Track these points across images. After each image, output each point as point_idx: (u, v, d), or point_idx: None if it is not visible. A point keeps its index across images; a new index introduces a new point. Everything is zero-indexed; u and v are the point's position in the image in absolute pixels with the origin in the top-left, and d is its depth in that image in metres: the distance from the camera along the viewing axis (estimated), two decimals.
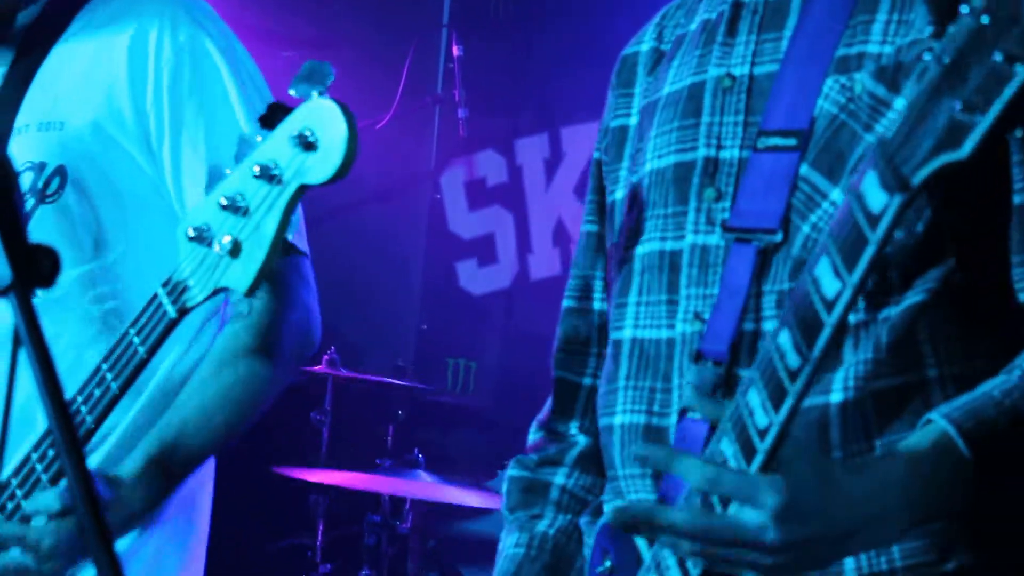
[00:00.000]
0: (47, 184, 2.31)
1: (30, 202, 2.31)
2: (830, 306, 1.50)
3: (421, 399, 6.60)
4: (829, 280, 1.50)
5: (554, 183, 6.98)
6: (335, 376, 5.73)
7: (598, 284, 2.14)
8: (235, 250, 1.90)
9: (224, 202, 1.87)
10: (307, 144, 1.77)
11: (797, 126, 1.81)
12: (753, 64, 1.89)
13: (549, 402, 2.17)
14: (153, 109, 2.35)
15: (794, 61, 1.85)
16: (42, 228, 2.31)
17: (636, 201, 2.00)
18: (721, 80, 1.91)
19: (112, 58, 2.35)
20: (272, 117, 1.81)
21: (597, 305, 2.14)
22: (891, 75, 1.76)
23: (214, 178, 2.24)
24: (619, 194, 2.06)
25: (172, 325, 2.08)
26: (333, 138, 1.75)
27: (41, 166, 2.33)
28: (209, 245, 1.93)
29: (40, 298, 1.30)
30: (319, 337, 2.46)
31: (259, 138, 1.85)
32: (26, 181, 2.31)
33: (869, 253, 1.46)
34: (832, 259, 1.50)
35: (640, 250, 1.97)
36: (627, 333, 1.97)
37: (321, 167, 1.77)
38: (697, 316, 1.86)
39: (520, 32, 7.11)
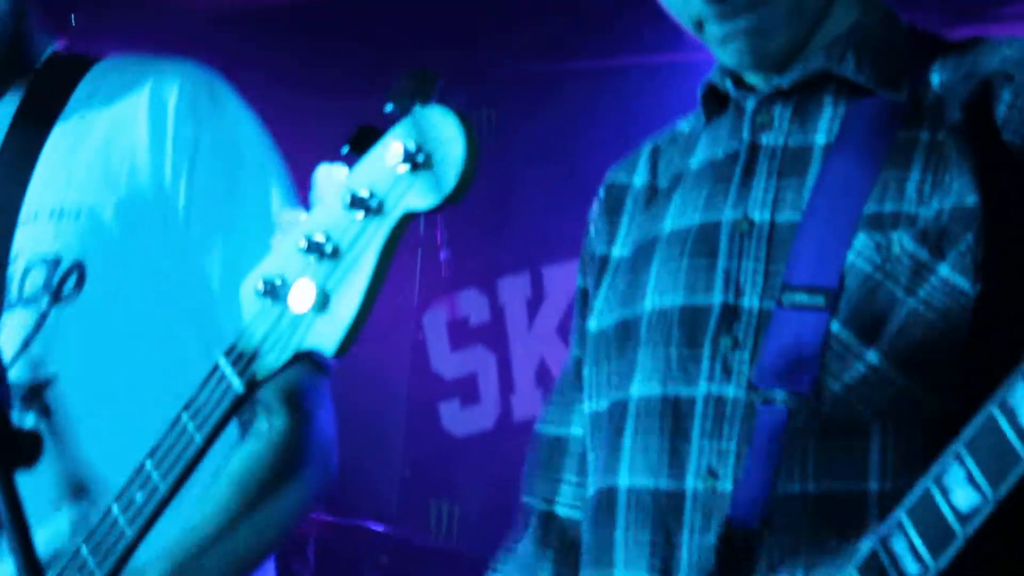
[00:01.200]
0: (63, 281, 2.05)
1: (43, 303, 2.06)
2: (965, 519, 1.42)
3: (404, 544, 6.55)
4: (964, 491, 1.42)
5: (536, 323, 7.03)
6: (316, 521, 5.67)
7: (580, 411, 2.08)
8: (321, 302, 1.56)
9: (304, 244, 1.53)
10: (414, 163, 1.44)
11: (825, 283, 1.76)
12: (774, 211, 1.85)
13: (517, 532, 2.12)
14: (183, 185, 2.14)
15: (818, 213, 1.81)
16: (53, 334, 2.07)
17: (629, 337, 1.95)
18: (739, 224, 1.86)
19: (130, 133, 2.14)
20: (362, 140, 1.50)
21: (577, 432, 2.08)
22: (934, 240, 1.72)
23: (263, 235, 1.98)
24: (605, 322, 2.02)
25: (238, 403, 1.71)
26: (449, 151, 1.43)
27: (56, 261, 2.07)
28: (286, 299, 1.59)
29: None
30: (336, 464, 2.26)
31: (346, 169, 1.54)
32: (37, 279, 2.05)
33: (1018, 472, 1.39)
34: (966, 467, 1.43)
35: (636, 391, 1.90)
36: (622, 481, 1.89)
37: (434, 187, 1.45)
38: (711, 472, 1.79)
39: (501, 171, 7.20)
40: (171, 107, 2.13)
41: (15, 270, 2.00)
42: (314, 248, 1.52)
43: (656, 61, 6.87)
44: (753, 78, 1.94)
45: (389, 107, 1.48)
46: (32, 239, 2.06)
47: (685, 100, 6.54)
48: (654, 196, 2.06)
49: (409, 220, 1.51)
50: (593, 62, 7.10)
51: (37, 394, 1.98)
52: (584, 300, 2.14)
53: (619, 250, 2.07)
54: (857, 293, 1.74)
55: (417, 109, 1.44)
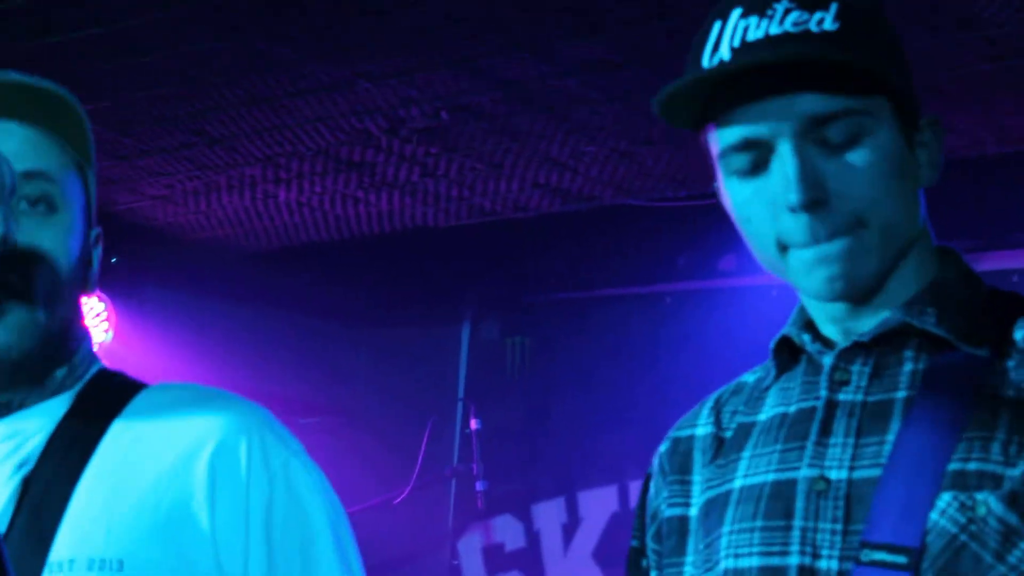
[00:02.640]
0: None
1: None
2: None
3: None
4: None
5: (572, 547, 7.02)
6: None
7: None
8: None
9: None
10: None
11: (907, 543, 1.69)
12: (852, 468, 1.78)
13: None
14: (248, 561, 1.90)
15: (899, 469, 1.75)
16: None
17: None
18: (815, 482, 1.80)
19: (182, 482, 1.89)
20: None
21: None
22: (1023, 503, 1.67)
23: None
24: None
25: None
26: None
27: None
28: None
29: None
30: None
31: None
32: None
33: None
34: None
35: None
36: None
37: None
38: None
39: (535, 400, 7.31)
40: (237, 462, 1.91)
41: None
42: None
43: (686, 288, 6.98)
44: (830, 330, 1.88)
45: None
46: None
47: (713, 325, 6.73)
48: (720, 446, 1.98)
49: None
50: (625, 289, 7.19)
51: None
52: (637, 560, 2.05)
53: (695, 508, 1.99)
54: (942, 555, 1.67)
55: None
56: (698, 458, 2.00)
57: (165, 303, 6.55)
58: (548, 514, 7.21)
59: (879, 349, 1.82)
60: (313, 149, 5.27)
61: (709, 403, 2.05)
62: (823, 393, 1.84)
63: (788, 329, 1.94)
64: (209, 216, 6.11)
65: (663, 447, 2.07)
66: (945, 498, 1.68)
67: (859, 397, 1.82)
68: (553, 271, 7.18)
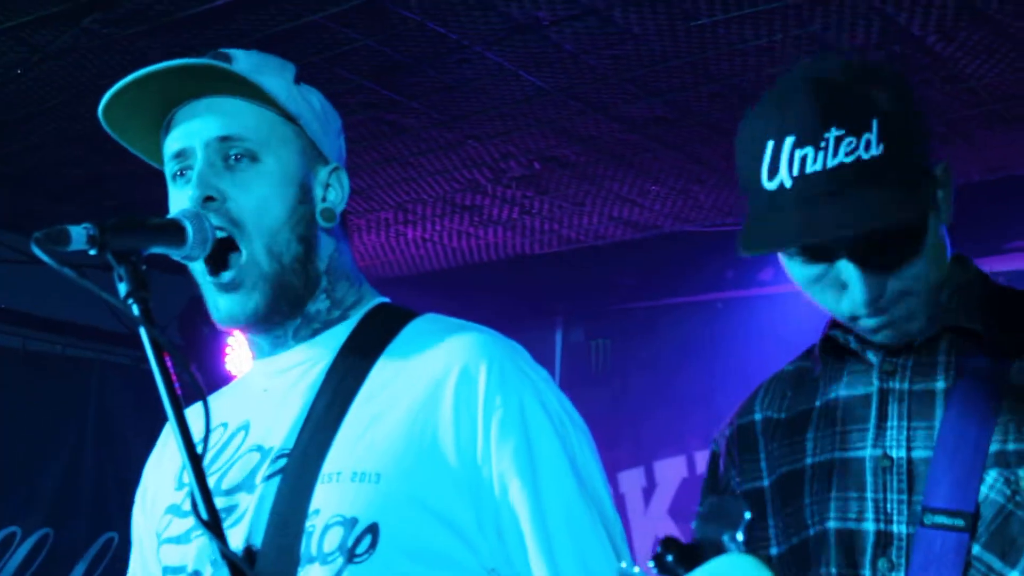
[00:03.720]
0: (357, 543, 1.71)
1: (337, 561, 1.70)
2: None
3: None
4: None
5: (650, 507, 7.02)
6: None
7: None
8: None
9: None
10: None
11: (964, 508, 1.66)
12: (909, 448, 1.73)
13: None
14: (493, 458, 1.76)
15: (948, 450, 1.70)
16: None
17: (800, 560, 1.84)
18: (880, 460, 1.75)
19: (434, 407, 1.77)
20: (666, 557, 1.18)
21: None
22: None
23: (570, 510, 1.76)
24: (782, 549, 1.86)
25: None
26: None
27: (352, 522, 1.71)
28: None
29: None
30: None
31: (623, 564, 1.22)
32: (335, 538, 1.71)
33: None
34: None
35: None
36: None
37: None
38: None
39: (616, 389, 7.33)
40: (481, 388, 1.77)
41: (314, 526, 1.73)
42: None
43: (733, 296, 6.96)
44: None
45: (698, 532, 1.20)
46: (332, 498, 1.73)
47: (756, 326, 6.72)
48: (778, 427, 1.93)
49: None
50: (684, 298, 7.16)
51: None
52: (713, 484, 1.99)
53: (766, 481, 1.92)
54: (994, 521, 1.63)
55: (732, 550, 1.16)
56: (761, 440, 1.94)
57: None
58: (630, 480, 7.22)
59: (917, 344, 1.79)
60: (434, 196, 5.34)
61: (760, 393, 1.99)
62: (875, 383, 1.80)
63: (832, 331, 1.88)
64: (352, 252, 6.17)
65: (728, 432, 1.99)
66: (992, 474, 1.64)
67: (905, 386, 1.77)
68: (626, 286, 7.19)
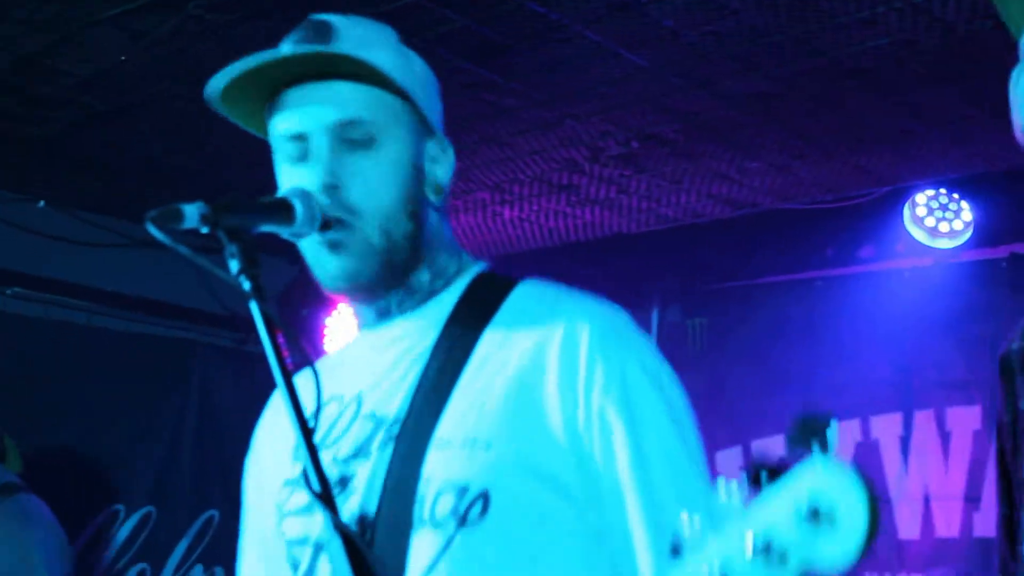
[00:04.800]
0: (469, 508, 1.75)
1: (450, 526, 1.75)
2: None
3: None
4: None
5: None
6: None
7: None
8: None
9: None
10: (815, 513, 1.13)
11: None
12: None
13: None
14: (595, 424, 1.79)
15: None
16: (458, 558, 1.76)
17: None
18: None
19: (540, 372, 1.81)
20: (757, 472, 1.20)
21: None
22: None
23: (665, 529, 1.73)
24: None
25: None
26: (851, 514, 1.12)
27: (464, 489, 1.76)
28: None
29: None
30: None
31: (732, 489, 1.22)
32: (447, 504, 1.76)
33: None
34: None
35: None
36: None
37: (835, 548, 1.12)
38: None
39: (713, 366, 7.32)
40: (583, 350, 1.81)
41: (427, 492, 1.78)
42: None
43: (833, 274, 6.93)
44: None
45: (787, 445, 1.19)
46: (444, 464, 1.77)
47: (856, 303, 6.66)
48: None
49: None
50: (783, 277, 7.12)
51: None
52: (1003, 459, 1.92)
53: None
54: None
55: (820, 458, 1.16)
56: (1017, 372, 1.89)
57: None
58: (728, 460, 7.18)
59: None
60: (531, 176, 5.36)
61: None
62: None
63: None
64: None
65: (998, 365, 1.91)
66: None
67: None
68: (724, 264, 7.16)
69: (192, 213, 1.68)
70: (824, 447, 1.16)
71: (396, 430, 1.86)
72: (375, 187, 1.89)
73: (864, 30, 3.83)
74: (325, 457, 1.86)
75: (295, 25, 3.79)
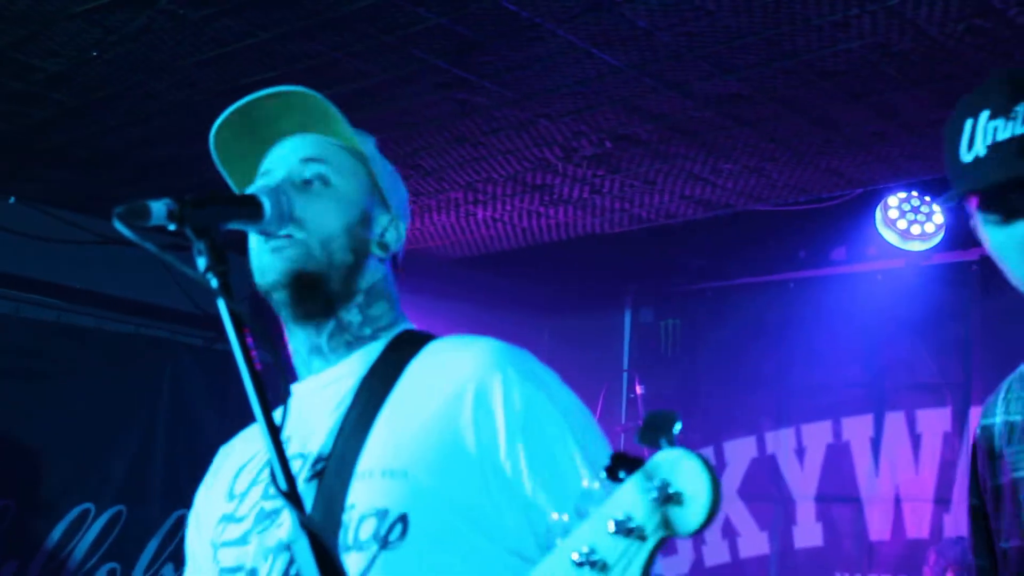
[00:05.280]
0: (390, 531, 1.85)
1: (372, 548, 1.85)
2: None
3: None
4: None
5: (721, 486, 7.04)
6: None
7: None
8: None
9: (577, 558, 1.38)
10: (667, 496, 1.32)
11: None
12: None
13: None
14: (507, 451, 1.91)
15: None
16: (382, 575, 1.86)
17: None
18: None
19: (454, 410, 1.92)
20: (616, 468, 1.38)
21: None
22: None
23: (556, 531, 1.80)
24: (1012, 543, 1.92)
25: None
26: (696, 489, 1.31)
27: (384, 512, 1.86)
28: None
29: None
30: None
31: (596, 485, 1.43)
32: (369, 528, 1.86)
33: None
34: None
35: None
36: None
37: (685, 519, 1.32)
38: None
39: (686, 369, 7.34)
40: (496, 387, 1.93)
41: (351, 519, 1.87)
42: (585, 563, 1.38)
43: (806, 276, 6.96)
44: None
45: (638, 440, 1.39)
46: (366, 493, 1.89)
47: (829, 305, 6.68)
48: (1012, 430, 1.97)
49: (664, 542, 1.36)
50: (756, 278, 7.21)
51: None
52: (979, 514, 2.04)
53: (1003, 480, 1.97)
54: None
55: (665, 447, 1.34)
56: (999, 444, 1.98)
57: None
58: None
59: None
60: (504, 176, 5.35)
61: (1001, 393, 2.03)
62: None
63: None
64: (423, 232, 6.22)
65: (977, 432, 2.05)
66: None
67: None
68: (697, 265, 7.20)
69: (159, 210, 1.69)
70: (671, 441, 1.34)
71: (320, 466, 1.95)
72: (321, 210, 2.02)
73: (837, 32, 3.83)
74: (255, 491, 2.01)
75: (267, 21, 3.77)
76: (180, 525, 6.04)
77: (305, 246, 1.98)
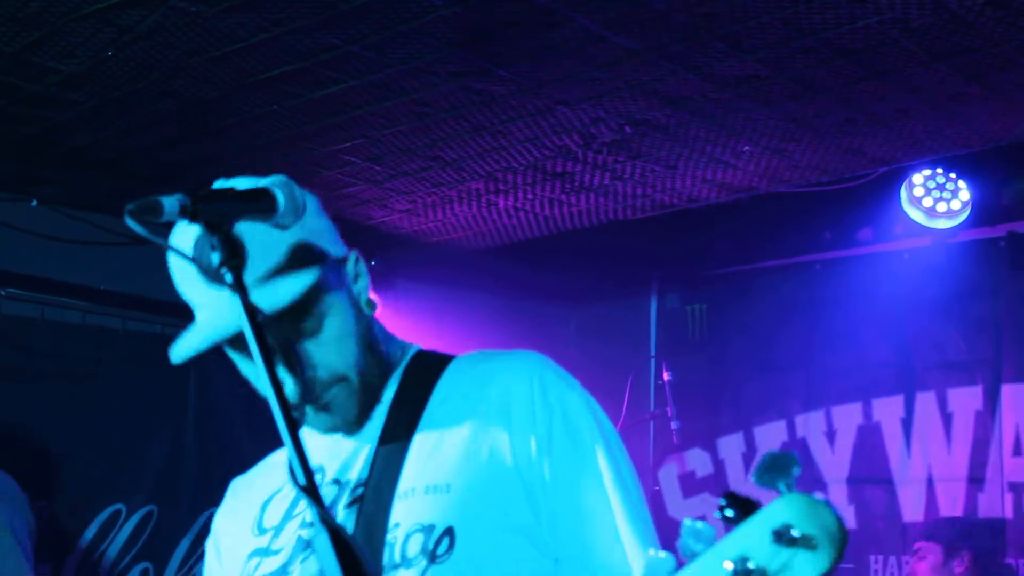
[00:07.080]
0: (437, 544, 1.87)
1: (421, 563, 1.86)
2: None
3: None
4: None
5: (751, 473, 7.01)
6: None
7: None
8: None
9: None
10: (790, 540, 1.27)
11: None
12: None
13: None
14: (545, 460, 1.94)
15: None
16: None
17: None
18: None
19: (489, 422, 1.96)
20: (735, 507, 1.33)
21: None
22: None
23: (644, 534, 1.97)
24: None
25: None
26: (822, 533, 1.27)
27: (430, 527, 1.88)
28: None
29: None
30: None
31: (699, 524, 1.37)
32: (416, 544, 1.88)
33: None
34: None
35: None
36: None
37: (809, 564, 1.27)
38: None
39: (714, 354, 7.31)
40: (524, 397, 1.96)
41: (395, 536, 1.89)
42: None
43: (832, 256, 6.93)
44: None
45: (755, 480, 1.33)
46: (409, 511, 1.90)
47: (855, 285, 6.63)
48: None
49: None
50: (781, 261, 7.17)
51: None
52: None
53: None
54: None
55: (787, 490, 1.30)
56: None
57: (412, 293, 6.70)
58: (730, 446, 7.21)
59: None
60: (524, 164, 5.33)
61: None
62: None
63: None
64: (444, 223, 6.22)
65: None
66: None
67: None
68: (722, 249, 7.16)
69: (171, 205, 1.66)
70: (790, 486, 1.29)
71: (359, 491, 1.97)
72: (334, 357, 1.98)
73: (855, 8, 3.79)
74: (291, 525, 2.01)
75: (280, 15, 3.76)
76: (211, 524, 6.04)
77: (342, 389, 1.98)
